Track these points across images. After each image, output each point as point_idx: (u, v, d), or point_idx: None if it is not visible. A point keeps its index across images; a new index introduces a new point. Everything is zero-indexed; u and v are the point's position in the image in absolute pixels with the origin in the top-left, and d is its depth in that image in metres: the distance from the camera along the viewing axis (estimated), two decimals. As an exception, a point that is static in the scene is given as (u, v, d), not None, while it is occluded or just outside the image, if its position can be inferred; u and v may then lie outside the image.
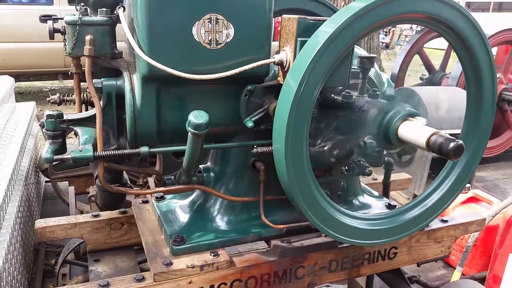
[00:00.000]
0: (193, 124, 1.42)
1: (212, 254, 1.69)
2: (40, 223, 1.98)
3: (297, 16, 1.57)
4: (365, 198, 2.20)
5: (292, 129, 1.40)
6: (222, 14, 1.55)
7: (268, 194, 1.83)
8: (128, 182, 1.95)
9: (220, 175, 1.91)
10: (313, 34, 1.43)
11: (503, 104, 5.01)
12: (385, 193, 2.36)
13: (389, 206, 2.15)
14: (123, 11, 1.67)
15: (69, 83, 9.14)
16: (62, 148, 1.54)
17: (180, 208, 1.97)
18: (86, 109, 1.73)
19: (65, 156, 1.47)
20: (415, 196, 3.93)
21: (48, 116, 1.49)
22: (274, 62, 1.60)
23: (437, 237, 2.18)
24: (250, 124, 1.67)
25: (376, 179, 2.77)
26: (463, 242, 3.03)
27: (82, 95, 1.69)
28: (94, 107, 1.60)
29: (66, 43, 1.59)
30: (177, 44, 1.52)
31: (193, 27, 1.51)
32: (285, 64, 1.60)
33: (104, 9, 1.68)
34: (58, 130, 1.53)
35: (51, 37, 1.70)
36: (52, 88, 9.32)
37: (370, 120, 1.62)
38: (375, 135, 1.61)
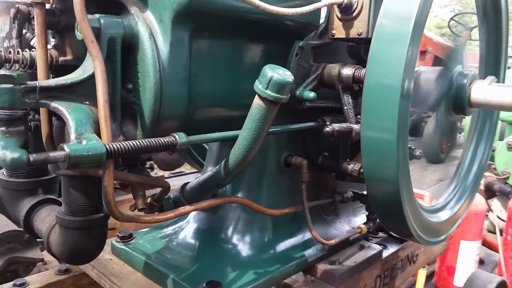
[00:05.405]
0: (278, 83, 0.85)
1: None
2: None
3: None
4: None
5: (402, 111, 0.98)
6: None
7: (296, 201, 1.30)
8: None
9: (237, 182, 1.30)
10: None
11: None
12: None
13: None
14: None
15: None
16: (26, 143, 0.76)
17: (178, 243, 1.29)
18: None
19: (54, 154, 0.69)
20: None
21: (1, 79, 0.70)
22: (340, 4, 1.12)
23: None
24: (310, 95, 1.13)
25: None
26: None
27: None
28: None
29: None
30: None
31: None
32: (354, 8, 1.13)
33: None
34: (20, 108, 0.75)
35: None
36: None
37: (430, 90, 1.37)
38: (443, 105, 1.36)
